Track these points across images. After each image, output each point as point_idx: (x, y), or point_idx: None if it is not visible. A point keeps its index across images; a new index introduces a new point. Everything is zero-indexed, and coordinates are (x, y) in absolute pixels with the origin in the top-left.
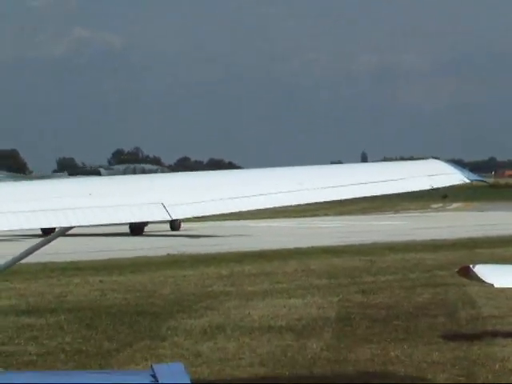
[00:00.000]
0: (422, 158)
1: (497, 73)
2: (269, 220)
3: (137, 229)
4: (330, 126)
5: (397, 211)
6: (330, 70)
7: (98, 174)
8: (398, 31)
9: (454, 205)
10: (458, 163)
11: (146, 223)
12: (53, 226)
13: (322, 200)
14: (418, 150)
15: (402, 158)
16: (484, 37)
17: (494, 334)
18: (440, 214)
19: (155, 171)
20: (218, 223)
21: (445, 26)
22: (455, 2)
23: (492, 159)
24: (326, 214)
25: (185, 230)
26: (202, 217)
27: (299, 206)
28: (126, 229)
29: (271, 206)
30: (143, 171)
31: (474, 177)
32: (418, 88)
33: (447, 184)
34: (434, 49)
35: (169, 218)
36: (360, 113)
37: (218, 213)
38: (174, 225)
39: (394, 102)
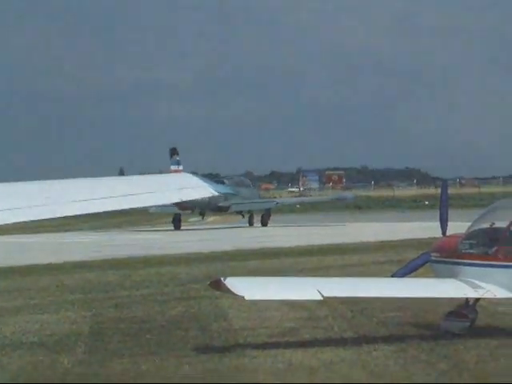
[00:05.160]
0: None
1: (265, 85)
2: (14, 235)
3: None
4: (89, 141)
5: (153, 225)
6: (89, 85)
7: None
8: (154, 48)
9: (211, 218)
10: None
11: None
12: None
13: (71, 214)
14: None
15: (161, 172)
16: (254, 52)
17: (245, 346)
18: (196, 227)
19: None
20: None
21: (201, 46)
22: (214, 21)
23: (248, 173)
24: (81, 229)
25: None
26: None
27: (52, 220)
28: None
29: (19, 221)
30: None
31: (223, 189)
32: (175, 102)
33: (196, 197)
34: (194, 66)
35: None
36: (118, 127)
37: None
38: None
39: (151, 117)
